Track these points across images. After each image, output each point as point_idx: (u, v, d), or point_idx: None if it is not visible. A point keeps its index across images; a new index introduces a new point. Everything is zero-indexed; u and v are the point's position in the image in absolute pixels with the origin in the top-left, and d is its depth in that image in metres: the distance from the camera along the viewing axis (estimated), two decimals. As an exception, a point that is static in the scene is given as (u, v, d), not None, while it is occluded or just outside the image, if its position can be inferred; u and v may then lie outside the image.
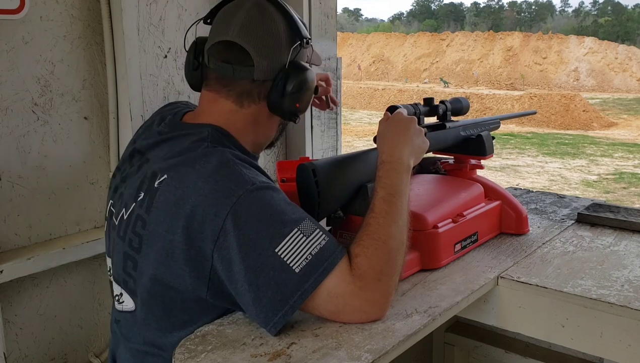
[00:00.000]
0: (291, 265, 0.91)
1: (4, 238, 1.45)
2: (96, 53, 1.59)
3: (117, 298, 1.10)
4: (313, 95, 1.12)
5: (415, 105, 1.29)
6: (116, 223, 1.09)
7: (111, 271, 1.13)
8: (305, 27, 1.12)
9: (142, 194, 1.02)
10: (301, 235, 0.93)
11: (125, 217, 1.06)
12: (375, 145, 1.18)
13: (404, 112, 1.21)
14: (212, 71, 1.09)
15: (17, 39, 1.42)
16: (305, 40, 1.08)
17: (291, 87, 1.06)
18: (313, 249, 0.92)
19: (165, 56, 1.74)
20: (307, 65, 1.11)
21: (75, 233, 1.60)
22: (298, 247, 0.92)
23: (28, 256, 1.44)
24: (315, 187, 1.10)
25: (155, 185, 1.00)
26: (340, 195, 1.17)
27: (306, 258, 0.91)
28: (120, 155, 1.65)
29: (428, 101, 1.35)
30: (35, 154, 1.49)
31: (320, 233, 0.95)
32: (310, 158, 1.24)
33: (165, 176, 1.00)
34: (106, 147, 1.64)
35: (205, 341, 0.93)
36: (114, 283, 1.11)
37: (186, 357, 0.88)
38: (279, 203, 0.96)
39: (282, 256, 0.91)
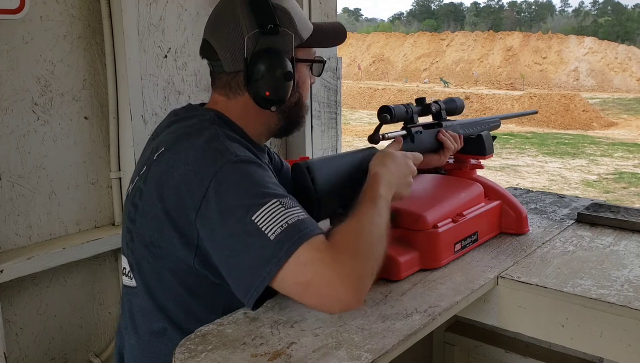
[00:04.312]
0: (266, 232, 0.92)
1: (4, 238, 1.45)
2: (96, 53, 1.59)
3: (124, 271, 1.14)
4: (289, 82, 1.10)
5: (408, 105, 1.30)
6: (125, 199, 1.16)
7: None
8: (285, 13, 1.10)
9: (145, 168, 1.08)
10: (280, 206, 0.94)
11: (130, 191, 1.13)
12: (370, 145, 1.23)
13: (412, 157, 1.23)
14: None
15: (17, 38, 1.42)
16: (269, 26, 1.07)
17: (255, 75, 1.08)
18: (290, 219, 0.93)
19: (165, 56, 1.74)
20: (272, 51, 1.08)
21: (75, 233, 1.60)
22: (275, 216, 0.93)
23: (28, 256, 1.44)
24: (311, 184, 1.11)
25: (155, 158, 1.06)
26: (339, 192, 1.17)
27: (281, 226, 0.92)
28: (120, 155, 1.66)
29: (420, 101, 1.36)
30: (35, 154, 1.49)
31: (300, 210, 0.96)
32: (310, 157, 1.24)
33: (163, 148, 1.06)
34: (106, 147, 1.65)
35: (205, 341, 0.93)
36: (123, 257, 1.15)
37: (186, 357, 0.88)
38: (262, 178, 0.98)
39: (258, 224, 0.92)
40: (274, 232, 0.91)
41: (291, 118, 1.18)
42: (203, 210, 0.95)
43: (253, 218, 0.92)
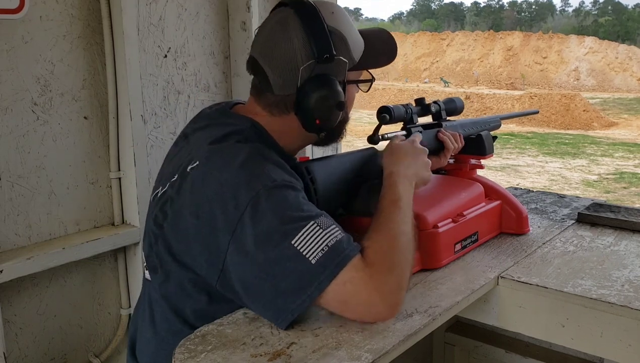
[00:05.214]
0: (307, 256, 0.92)
1: (4, 238, 1.45)
2: (96, 53, 1.59)
3: (144, 266, 1.14)
4: (341, 111, 1.10)
5: (407, 105, 1.30)
6: (151, 200, 1.15)
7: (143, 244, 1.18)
8: (340, 39, 1.08)
9: (177, 176, 1.06)
10: (318, 227, 0.94)
11: (159, 195, 1.11)
12: (370, 145, 1.22)
13: (417, 139, 1.24)
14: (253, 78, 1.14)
15: (17, 38, 1.42)
16: (325, 56, 1.05)
17: (306, 103, 1.06)
18: (329, 241, 0.94)
19: (165, 56, 1.74)
20: (326, 80, 1.07)
21: (75, 233, 1.60)
22: (314, 239, 0.93)
23: (28, 256, 1.44)
24: (310, 184, 1.11)
25: (188, 170, 1.04)
26: (339, 193, 1.17)
27: (322, 249, 0.93)
28: (120, 155, 1.66)
29: (419, 101, 1.36)
30: (35, 154, 1.49)
31: (337, 228, 0.97)
32: (310, 158, 1.24)
33: (198, 163, 1.03)
34: (106, 147, 1.64)
35: (205, 341, 0.93)
36: (142, 253, 1.15)
37: (186, 357, 0.88)
38: (297, 200, 0.98)
39: (298, 247, 0.92)
40: (315, 256, 0.92)
41: (334, 133, 1.18)
42: (238, 234, 0.94)
43: (292, 242, 0.93)
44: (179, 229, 1.02)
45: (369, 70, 1.19)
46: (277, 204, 0.95)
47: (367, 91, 1.21)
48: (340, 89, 1.08)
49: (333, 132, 1.16)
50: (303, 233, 0.93)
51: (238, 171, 0.98)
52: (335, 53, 1.06)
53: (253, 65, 1.11)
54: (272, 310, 0.95)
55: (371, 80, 1.19)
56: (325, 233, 0.94)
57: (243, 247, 0.94)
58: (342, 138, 1.22)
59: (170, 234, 1.04)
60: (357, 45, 1.13)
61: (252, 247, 0.93)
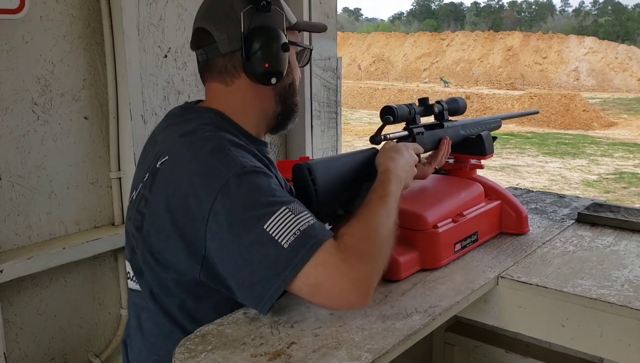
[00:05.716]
0: (280, 241, 0.93)
1: (4, 238, 1.45)
2: (96, 53, 1.60)
3: (128, 275, 1.14)
4: (286, 53, 1.11)
5: (410, 105, 1.30)
6: (128, 204, 1.15)
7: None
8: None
9: (148, 174, 1.07)
10: (290, 213, 0.95)
11: (134, 198, 1.11)
12: (372, 145, 1.23)
13: (412, 147, 1.27)
14: (198, 62, 1.16)
15: (17, 38, 1.43)
16: (262, 3, 1.08)
17: (253, 50, 1.08)
18: (301, 226, 0.94)
19: (165, 56, 1.74)
20: (267, 26, 1.09)
21: (75, 233, 1.60)
22: (286, 224, 0.94)
23: (28, 256, 1.44)
24: (312, 185, 1.11)
25: (157, 166, 1.05)
26: (339, 193, 1.17)
27: (294, 234, 0.93)
28: (120, 155, 1.66)
29: (423, 101, 1.36)
30: (35, 154, 1.49)
31: (309, 214, 0.97)
32: (310, 157, 1.24)
33: (167, 157, 1.04)
34: (106, 147, 1.65)
35: (205, 341, 0.93)
36: (126, 262, 1.15)
37: (186, 357, 0.88)
38: (269, 186, 0.99)
39: (270, 233, 0.93)
40: (287, 241, 0.93)
41: (286, 102, 1.18)
42: (211, 223, 0.95)
43: (265, 227, 0.93)
44: (157, 226, 1.02)
45: (304, 45, 1.21)
46: (248, 190, 0.96)
47: (305, 64, 1.24)
48: (282, 33, 1.10)
49: (285, 99, 1.17)
50: (275, 218, 0.94)
51: (207, 160, 0.99)
52: (271, 2, 1.09)
53: (197, 36, 1.13)
54: (253, 297, 0.95)
55: (310, 48, 1.22)
56: (297, 218, 0.95)
57: (218, 235, 0.95)
58: (295, 113, 1.21)
59: (150, 233, 1.04)
60: (290, 11, 1.17)
61: (227, 235, 0.94)
